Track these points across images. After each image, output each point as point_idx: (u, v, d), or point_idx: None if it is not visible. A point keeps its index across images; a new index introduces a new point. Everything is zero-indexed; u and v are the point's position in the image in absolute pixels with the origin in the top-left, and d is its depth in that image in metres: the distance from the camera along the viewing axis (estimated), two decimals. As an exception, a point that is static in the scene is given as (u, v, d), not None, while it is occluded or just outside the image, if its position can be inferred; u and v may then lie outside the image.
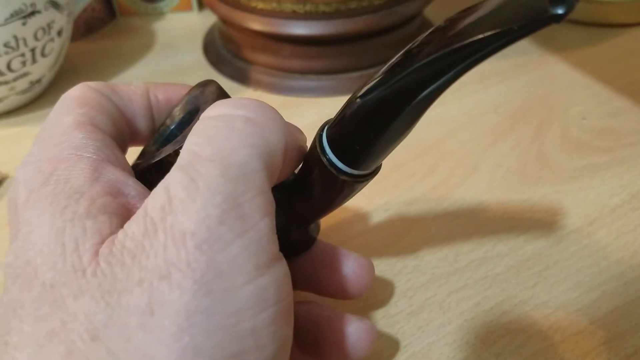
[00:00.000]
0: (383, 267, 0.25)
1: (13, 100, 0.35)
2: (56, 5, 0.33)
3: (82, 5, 0.39)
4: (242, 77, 0.38)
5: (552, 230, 0.26)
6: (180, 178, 0.14)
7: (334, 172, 0.16)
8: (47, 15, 0.33)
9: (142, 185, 0.16)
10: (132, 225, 0.13)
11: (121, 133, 0.18)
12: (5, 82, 0.33)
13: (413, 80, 0.13)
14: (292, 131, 0.17)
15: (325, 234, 0.27)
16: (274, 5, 0.35)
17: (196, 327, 0.12)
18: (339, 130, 0.16)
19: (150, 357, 0.12)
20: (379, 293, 0.24)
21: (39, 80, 0.36)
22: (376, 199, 0.29)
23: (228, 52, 0.40)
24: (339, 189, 0.17)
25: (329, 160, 0.16)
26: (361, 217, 0.28)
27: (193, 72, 0.40)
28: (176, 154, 0.15)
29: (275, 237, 0.14)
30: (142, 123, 0.19)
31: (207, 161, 0.14)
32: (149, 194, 0.14)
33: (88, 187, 0.14)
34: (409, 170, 0.30)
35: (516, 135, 0.32)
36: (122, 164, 0.16)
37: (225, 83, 0.38)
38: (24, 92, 0.35)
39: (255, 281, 0.13)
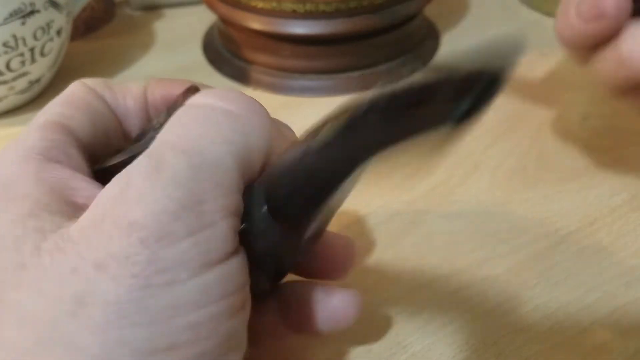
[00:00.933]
0: (383, 267, 0.25)
1: (12, 100, 0.35)
2: (55, 5, 0.33)
3: (81, 4, 0.39)
4: (241, 77, 0.38)
5: (553, 230, 0.26)
6: (144, 164, 0.13)
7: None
8: (47, 15, 0.33)
9: (95, 182, 0.15)
10: (83, 216, 0.13)
11: (105, 132, 0.18)
12: (5, 82, 0.33)
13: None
14: (282, 131, 0.17)
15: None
16: (274, 4, 0.35)
17: (127, 319, 0.12)
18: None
19: (75, 346, 0.12)
20: (379, 293, 0.24)
21: (38, 80, 0.35)
22: (376, 199, 0.28)
23: (228, 52, 0.40)
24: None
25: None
26: (361, 218, 0.27)
27: (192, 72, 0.40)
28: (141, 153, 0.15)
29: (235, 237, 0.14)
30: (135, 121, 0.19)
31: (178, 151, 0.13)
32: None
33: (32, 188, 0.14)
34: (409, 170, 0.30)
35: (516, 135, 0.32)
36: (74, 163, 0.16)
37: (225, 82, 0.38)
38: (23, 91, 0.35)
39: (199, 277, 0.13)
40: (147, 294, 0.12)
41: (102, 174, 0.16)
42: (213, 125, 0.14)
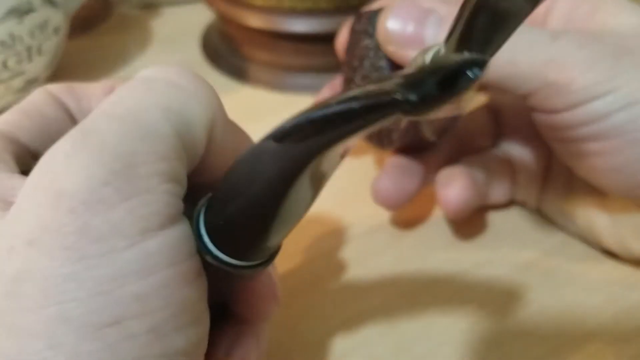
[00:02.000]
0: (385, 269, 0.25)
1: (9, 99, 0.35)
2: (52, 3, 0.33)
3: (78, 2, 0.39)
4: (240, 74, 0.38)
5: (556, 232, 0.26)
6: (73, 133, 0.13)
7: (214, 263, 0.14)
8: (43, 13, 0.33)
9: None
10: (18, 196, 0.13)
11: (59, 137, 0.18)
12: (1, 81, 0.33)
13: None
14: (237, 132, 0.16)
15: (324, 238, 0.26)
16: (273, 1, 0.34)
17: (66, 294, 0.12)
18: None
19: (17, 327, 0.12)
20: (382, 295, 0.24)
21: (35, 79, 0.35)
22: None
23: (226, 49, 0.40)
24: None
25: (207, 250, 0.14)
26: (361, 220, 0.27)
27: (191, 69, 0.39)
28: None
29: (177, 203, 0.13)
30: None
31: (109, 117, 0.13)
32: None
33: None
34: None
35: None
36: (8, 168, 0.15)
37: (224, 80, 0.38)
38: (20, 90, 0.35)
39: (139, 245, 0.12)
40: (84, 266, 0.12)
41: None
42: (152, 93, 0.13)
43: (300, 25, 0.35)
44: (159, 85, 0.14)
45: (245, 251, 0.14)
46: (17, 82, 0.34)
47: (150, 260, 0.12)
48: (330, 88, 0.29)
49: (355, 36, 0.24)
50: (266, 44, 0.37)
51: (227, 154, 0.15)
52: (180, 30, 0.44)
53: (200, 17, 0.45)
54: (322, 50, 0.36)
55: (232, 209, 0.13)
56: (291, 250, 0.26)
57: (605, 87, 0.20)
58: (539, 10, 0.23)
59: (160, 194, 0.13)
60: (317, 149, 0.11)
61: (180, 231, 0.13)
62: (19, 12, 0.31)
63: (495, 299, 0.23)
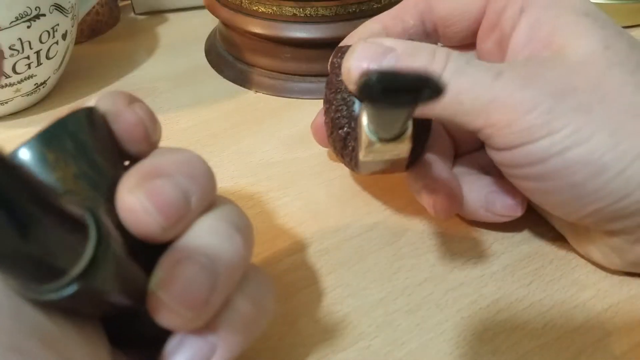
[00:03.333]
0: (381, 265, 0.25)
1: (18, 102, 0.36)
2: (61, 9, 0.34)
3: (86, 8, 0.40)
4: (243, 80, 0.39)
5: (548, 229, 0.26)
6: None
7: None
8: (52, 19, 0.34)
9: None
10: None
11: None
12: (11, 84, 0.34)
13: None
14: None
15: (322, 236, 0.27)
16: (275, 8, 0.35)
17: None
18: None
19: None
20: (378, 291, 0.24)
21: (43, 83, 0.36)
22: (373, 199, 0.29)
23: (229, 55, 0.41)
24: None
25: None
26: (359, 218, 0.28)
27: (195, 75, 0.40)
28: None
29: None
30: None
31: None
32: None
33: None
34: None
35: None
36: None
37: (227, 85, 0.39)
38: (29, 94, 0.36)
39: None
40: None
41: None
42: None
43: (301, 32, 0.36)
44: None
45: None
46: (26, 86, 0.35)
47: None
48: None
49: (332, 69, 0.25)
50: (268, 50, 0.37)
51: None
52: (185, 36, 0.45)
53: (204, 24, 0.46)
54: (322, 56, 0.37)
55: None
56: (290, 247, 0.26)
57: (542, 131, 0.19)
58: (506, 24, 0.23)
59: None
60: None
61: None
62: (28, 17, 0.32)
63: (487, 294, 0.24)
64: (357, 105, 0.23)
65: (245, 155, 0.32)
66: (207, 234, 0.17)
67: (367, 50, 0.22)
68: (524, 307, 0.23)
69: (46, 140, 0.16)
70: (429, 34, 0.27)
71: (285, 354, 0.22)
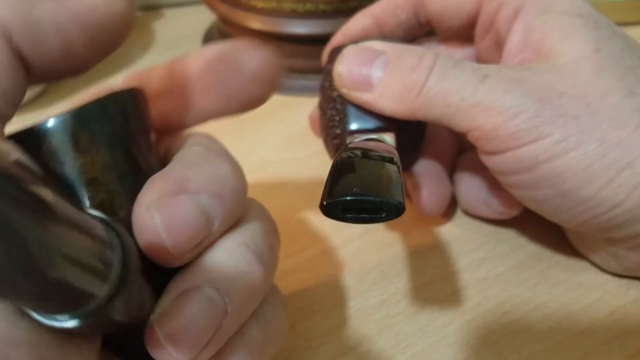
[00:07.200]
0: (384, 267, 0.25)
1: (12, 99, 0.35)
2: (55, 4, 0.33)
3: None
4: (241, 76, 0.38)
5: (553, 230, 0.26)
6: None
7: None
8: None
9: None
10: None
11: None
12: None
13: None
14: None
15: (324, 236, 0.27)
16: (274, 4, 0.35)
17: None
18: None
19: None
20: (380, 293, 0.24)
21: (37, 79, 0.35)
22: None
23: (227, 51, 0.40)
24: None
25: None
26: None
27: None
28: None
29: None
30: None
31: None
32: None
33: None
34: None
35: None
36: None
37: (225, 82, 0.38)
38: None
39: None
40: None
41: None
42: None
43: (300, 28, 0.35)
44: None
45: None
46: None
47: None
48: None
49: (327, 70, 0.25)
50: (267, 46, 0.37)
51: None
52: (182, 32, 0.44)
53: (202, 20, 0.45)
54: (321, 52, 0.36)
55: None
56: (291, 249, 0.26)
57: (528, 136, 0.19)
58: (501, 27, 0.23)
59: None
60: None
61: None
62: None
63: (491, 297, 0.24)
64: (349, 117, 0.23)
65: (244, 154, 0.32)
66: (224, 261, 0.16)
67: (357, 55, 0.22)
68: (528, 309, 0.23)
69: (82, 119, 0.14)
70: (423, 25, 0.27)
71: (284, 359, 0.22)
